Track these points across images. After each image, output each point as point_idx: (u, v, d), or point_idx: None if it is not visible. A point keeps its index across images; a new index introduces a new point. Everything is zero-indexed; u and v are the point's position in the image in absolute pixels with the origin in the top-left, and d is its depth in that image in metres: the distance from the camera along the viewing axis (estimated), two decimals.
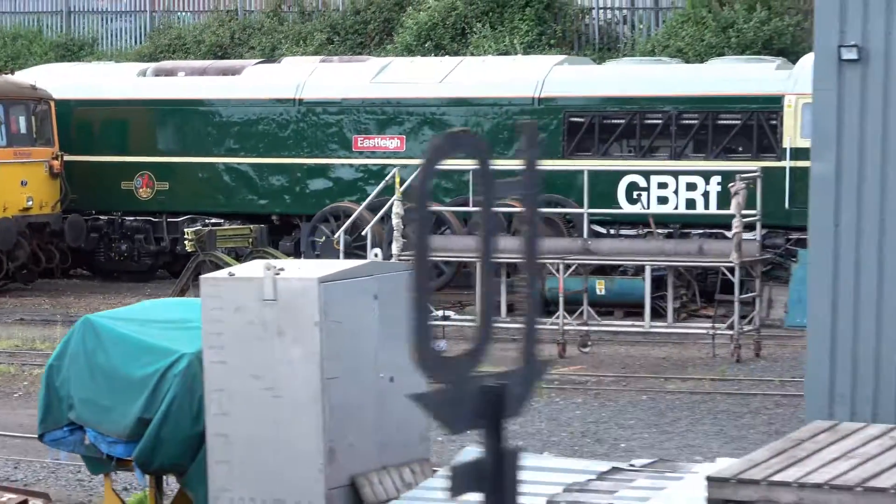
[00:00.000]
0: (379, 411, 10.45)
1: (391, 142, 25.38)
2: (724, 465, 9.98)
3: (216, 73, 27.79)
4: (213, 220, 25.99)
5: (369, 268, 11.22)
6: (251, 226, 25.26)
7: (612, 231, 23.54)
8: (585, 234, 21.30)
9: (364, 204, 23.13)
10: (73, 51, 36.98)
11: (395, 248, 20.89)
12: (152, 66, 29.11)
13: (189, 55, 33.27)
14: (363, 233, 22.75)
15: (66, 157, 27.47)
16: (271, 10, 34.19)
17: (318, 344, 9.91)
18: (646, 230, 22.46)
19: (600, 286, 21.48)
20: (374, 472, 10.30)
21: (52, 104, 27.18)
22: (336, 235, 22.97)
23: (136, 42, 36.82)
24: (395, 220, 21.04)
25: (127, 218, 27.48)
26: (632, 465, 10.90)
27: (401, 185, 21.41)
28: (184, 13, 37.05)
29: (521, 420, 13.94)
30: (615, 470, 10.60)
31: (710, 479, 9.49)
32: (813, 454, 9.90)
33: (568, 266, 20.34)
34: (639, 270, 21.43)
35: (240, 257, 24.61)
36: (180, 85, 27.47)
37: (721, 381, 18.43)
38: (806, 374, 14.63)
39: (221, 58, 32.04)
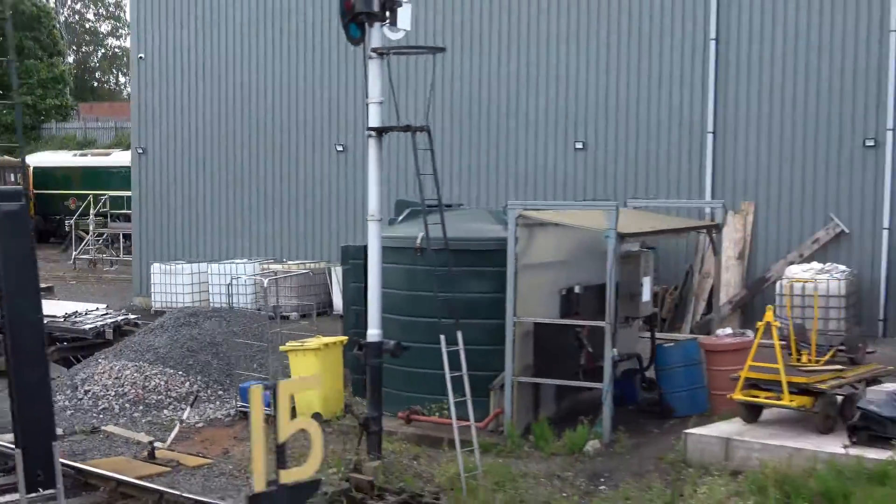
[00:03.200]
0: None
1: None
2: None
3: (102, 155, 48.37)
4: (98, 217, 46.70)
5: None
6: (103, 219, 45.38)
7: None
8: None
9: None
10: (84, 145, 58.14)
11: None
12: (79, 151, 50.98)
13: (117, 148, 53.02)
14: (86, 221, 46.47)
15: (38, 192, 47.05)
16: None
17: None
18: None
19: None
20: None
21: (31, 168, 47.78)
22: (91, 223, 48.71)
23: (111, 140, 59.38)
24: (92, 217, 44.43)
25: (66, 217, 46.58)
26: None
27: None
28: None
29: None
30: None
31: None
32: None
33: None
34: None
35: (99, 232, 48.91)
36: (89, 159, 48.35)
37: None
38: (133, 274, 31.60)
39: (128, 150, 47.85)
